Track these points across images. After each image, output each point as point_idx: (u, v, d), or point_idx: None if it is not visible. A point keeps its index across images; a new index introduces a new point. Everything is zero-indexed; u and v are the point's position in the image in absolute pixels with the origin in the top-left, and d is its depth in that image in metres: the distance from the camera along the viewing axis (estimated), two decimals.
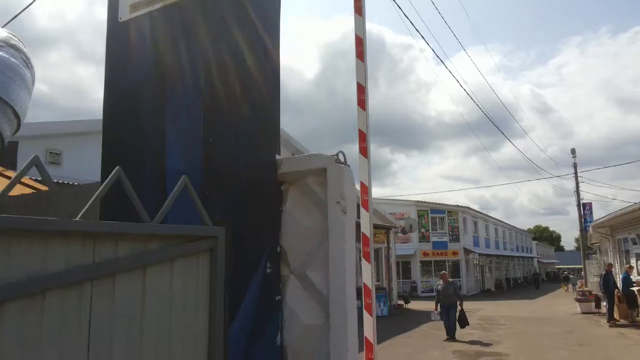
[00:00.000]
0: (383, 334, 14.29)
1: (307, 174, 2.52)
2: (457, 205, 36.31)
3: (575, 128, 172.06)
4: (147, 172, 2.23)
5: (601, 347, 11.87)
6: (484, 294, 36.08)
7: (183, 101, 2.22)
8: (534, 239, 73.02)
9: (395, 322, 17.31)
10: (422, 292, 34.51)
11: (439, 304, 13.16)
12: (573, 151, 29.73)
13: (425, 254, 35.16)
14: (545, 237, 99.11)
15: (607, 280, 16.41)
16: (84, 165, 11.31)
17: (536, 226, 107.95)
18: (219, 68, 2.25)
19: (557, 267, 78.23)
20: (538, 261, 68.73)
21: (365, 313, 2.65)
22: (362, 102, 3.23)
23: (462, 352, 11.46)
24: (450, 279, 14.03)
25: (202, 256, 1.66)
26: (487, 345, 12.38)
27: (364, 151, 3.22)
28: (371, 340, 2.66)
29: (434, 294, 33.48)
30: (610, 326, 15.57)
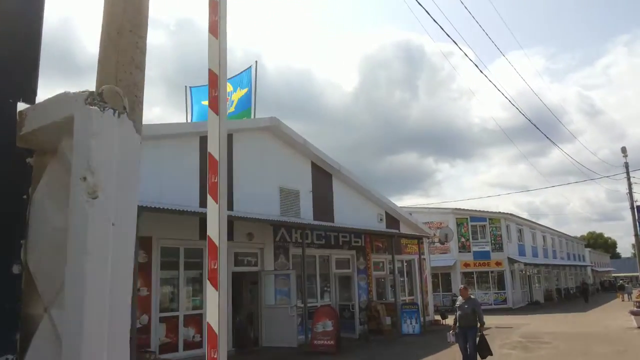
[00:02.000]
0: (404, 357, 12.92)
1: (58, 131, 1.42)
2: (500, 212, 34.28)
3: (628, 130, 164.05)
4: None
5: None
6: (532, 307, 33.79)
7: None
8: (586, 246, 69.18)
9: (426, 341, 15.87)
10: None
11: (456, 325, 11.18)
12: (624, 150, 27.47)
13: (466, 265, 33.26)
14: (600, 244, 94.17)
15: None
16: None
17: (589, 233, 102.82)
18: None
19: (613, 275, 73.83)
20: (592, 270, 64.92)
21: None
22: (214, 26, 2.10)
23: None
24: (472, 295, 12.00)
25: None
26: None
27: (214, 104, 2.09)
28: None
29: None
30: None
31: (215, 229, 1.74)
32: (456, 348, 14.27)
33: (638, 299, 21.09)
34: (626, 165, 27.20)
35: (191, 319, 12.82)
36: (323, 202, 17.53)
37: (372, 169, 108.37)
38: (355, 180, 19.08)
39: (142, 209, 10.61)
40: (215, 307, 1.67)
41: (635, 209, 26.67)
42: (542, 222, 57.44)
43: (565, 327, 19.53)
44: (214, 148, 1.83)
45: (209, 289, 1.69)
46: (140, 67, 2.56)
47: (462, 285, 12.89)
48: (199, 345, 12.84)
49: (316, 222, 16.28)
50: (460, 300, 11.19)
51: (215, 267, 1.70)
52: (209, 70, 1.96)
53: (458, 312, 10.96)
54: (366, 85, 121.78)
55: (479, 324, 10.57)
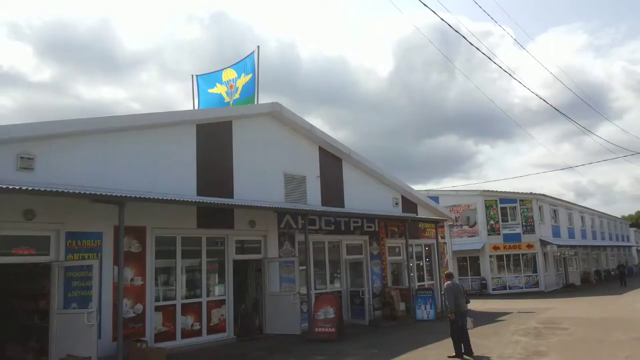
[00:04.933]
0: (407, 345, 12.57)
1: None
2: (531, 193, 33.06)
3: None
4: None
5: None
6: (566, 290, 32.67)
7: None
8: (632, 225, 66.38)
9: (438, 327, 15.40)
10: (494, 289, 31.80)
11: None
12: None
13: (496, 248, 32.34)
14: None
15: None
16: (60, 171, 10.63)
17: (638, 212, 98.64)
18: None
19: None
20: (637, 250, 62.34)
21: None
22: None
23: None
24: (454, 280, 11.40)
25: None
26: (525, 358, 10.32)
27: None
28: None
29: (508, 290, 31.12)
30: None
31: None
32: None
33: None
34: None
35: (190, 308, 12.82)
36: (332, 187, 17.20)
37: (411, 153, 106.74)
38: (367, 164, 18.63)
39: (134, 199, 10.62)
40: None
41: None
42: (588, 202, 55.34)
43: (591, 312, 18.68)
44: None
45: None
46: None
47: (446, 272, 12.45)
48: (199, 333, 12.88)
49: (320, 208, 15.98)
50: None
51: None
52: None
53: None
54: (401, 70, 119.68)
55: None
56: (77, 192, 9.66)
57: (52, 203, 10.20)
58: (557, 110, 18.94)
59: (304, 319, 14.26)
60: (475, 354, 10.76)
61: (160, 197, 11.07)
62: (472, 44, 15.52)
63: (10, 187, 8.88)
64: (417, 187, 34.94)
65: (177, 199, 11.32)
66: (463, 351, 10.64)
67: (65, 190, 9.52)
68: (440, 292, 18.32)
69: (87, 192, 9.86)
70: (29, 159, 10.14)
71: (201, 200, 12.31)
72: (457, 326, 10.74)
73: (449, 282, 11.19)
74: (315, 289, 16.05)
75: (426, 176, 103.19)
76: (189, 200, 11.80)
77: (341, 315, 14.32)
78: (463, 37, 12.79)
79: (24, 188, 9.00)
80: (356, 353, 11.56)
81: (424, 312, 17.84)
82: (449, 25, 12.28)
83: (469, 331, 10.98)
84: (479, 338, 13.16)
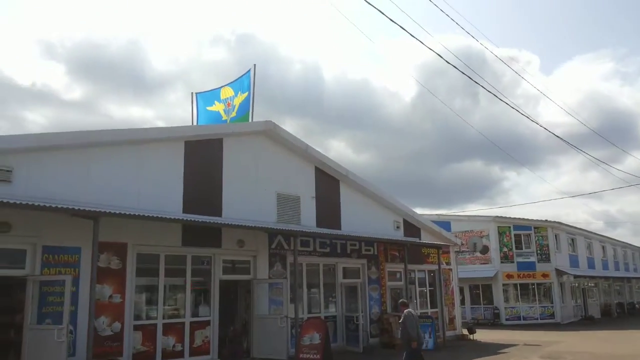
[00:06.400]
0: None
1: None
2: (546, 220, 32.09)
3: None
4: None
5: None
6: (584, 323, 31.39)
7: None
8: None
9: (435, 358, 14.84)
10: (507, 319, 30.72)
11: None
12: None
13: (509, 277, 31.34)
14: None
15: None
16: (40, 184, 10.58)
17: None
18: None
19: None
20: None
21: None
22: None
23: None
24: (408, 309, 10.82)
25: None
26: None
27: None
28: None
29: (522, 321, 30.03)
30: None
31: None
32: None
33: None
34: None
35: (172, 328, 12.55)
36: (329, 209, 16.88)
37: (435, 178, 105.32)
38: (367, 186, 18.29)
39: (109, 215, 10.48)
40: None
41: None
42: (618, 231, 53.47)
43: (601, 347, 17.77)
44: None
45: None
46: None
47: (400, 300, 12.07)
48: (180, 354, 12.57)
49: (312, 229, 15.65)
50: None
51: None
52: None
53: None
54: (425, 93, 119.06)
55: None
56: (53, 205, 9.59)
57: (29, 216, 10.13)
58: (568, 143, 18.43)
59: (292, 343, 13.86)
60: None
61: (139, 214, 10.90)
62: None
63: None
64: (441, 212, 34.46)
65: (158, 216, 11.16)
66: None
67: (41, 204, 9.47)
68: (452, 319, 17.74)
69: (63, 207, 9.77)
70: (7, 171, 10.11)
71: (185, 218, 12.16)
72: (417, 355, 10.38)
73: (409, 309, 10.80)
74: (309, 313, 15.66)
75: (451, 201, 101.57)
76: (171, 217, 11.64)
77: (329, 341, 13.84)
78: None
79: None
80: None
81: (422, 341, 17.16)
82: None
83: None
84: None
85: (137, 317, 12.01)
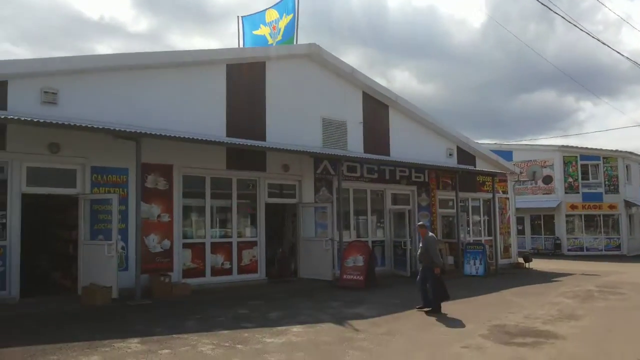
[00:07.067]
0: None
1: None
2: (616, 150, 30.19)
3: None
4: None
5: None
6: None
7: None
8: None
9: (480, 284, 14.67)
10: (569, 250, 29.84)
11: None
12: None
13: (574, 207, 30.10)
14: None
15: None
16: (85, 107, 10.89)
17: None
18: None
19: None
20: None
21: None
22: None
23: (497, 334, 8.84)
24: (430, 233, 10.24)
25: None
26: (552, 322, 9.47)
27: None
28: None
29: (585, 252, 29.08)
30: None
31: None
32: (503, 293, 13.08)
33: None
34: None
35: (219, 247, 13.01)
36: (377, 135, 16.53)
37: (504, 108, 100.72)
38: (418, 112, 17.68)
39: (150, 136, 10.70)
40: None
41: None
42: None
43: None
44: None
45: None
46: None
47: (418, 223, 11.64)
48: (229, 272, 13.08)
49: (358, 155, 15.44)
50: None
51: None
52: None
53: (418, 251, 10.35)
54: (496, 20, 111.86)
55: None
56: (94, 126, 9.86)
57: (76, 137, 10.50)
58: None
59: (338, 265, 14.08)
60: (505, 312, 10.08)
61: (181, 136, 11.06)
62: None
63: (22, 118, 9.14)
64: (510, 143, 33.09)
65: (199, 138, 11.30)
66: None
67: (83, 125, 9.75)
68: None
69: (105, 127, 10.04)
70: (53, 93, 10.44)
71: (226, 141, 12.23)
72: (440, 281, 9.94)
73: (431, 234, 10.34)
74: (358, 237, 15.77)
75: (520, 133, 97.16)
76: (212, 140, 11.78)
77: (373, 263, 13.92)
78: None
79: (41, 121, 9.32)
80: (374, 301, 11.16)
81: (472, 267, 17.02)
82: None
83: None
84: (517, 296, 12.36)
85: (186, 235, 12.50)
